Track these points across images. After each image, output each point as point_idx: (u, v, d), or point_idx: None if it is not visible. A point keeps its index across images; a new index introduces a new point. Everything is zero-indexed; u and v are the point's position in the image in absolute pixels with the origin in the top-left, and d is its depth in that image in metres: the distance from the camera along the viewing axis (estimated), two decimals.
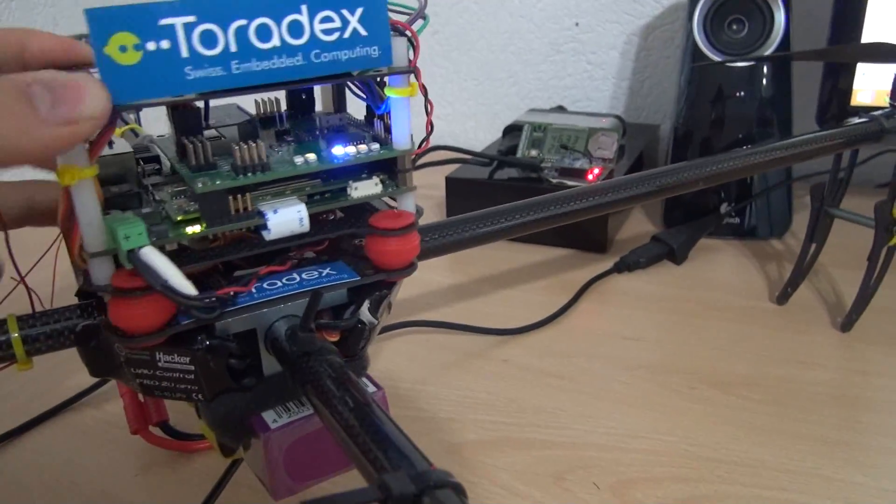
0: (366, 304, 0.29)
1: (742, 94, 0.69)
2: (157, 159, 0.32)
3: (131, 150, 0.30)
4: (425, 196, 0.80)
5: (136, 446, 0.41)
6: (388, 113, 0.29)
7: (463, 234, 0.36)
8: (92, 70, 0.23)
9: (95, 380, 0.47)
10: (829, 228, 0.55)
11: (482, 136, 0.98)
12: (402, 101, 0.29)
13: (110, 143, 0.30)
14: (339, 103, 0.35)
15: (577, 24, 0.90)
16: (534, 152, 0.71)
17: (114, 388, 0.47)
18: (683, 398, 0.45)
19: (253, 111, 0.34)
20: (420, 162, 0.79)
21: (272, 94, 0.33)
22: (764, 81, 0.68)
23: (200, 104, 0.30)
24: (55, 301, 0.30)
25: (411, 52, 0.29)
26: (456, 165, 0.73)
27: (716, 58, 0.68)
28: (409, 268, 0.30)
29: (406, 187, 0.30)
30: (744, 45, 0.67)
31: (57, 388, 0.47)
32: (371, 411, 0.22)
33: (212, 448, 0.41)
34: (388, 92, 0.29)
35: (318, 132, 0.32)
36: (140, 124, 0.37)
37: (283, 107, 0.34)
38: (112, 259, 0.25)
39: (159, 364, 0.26)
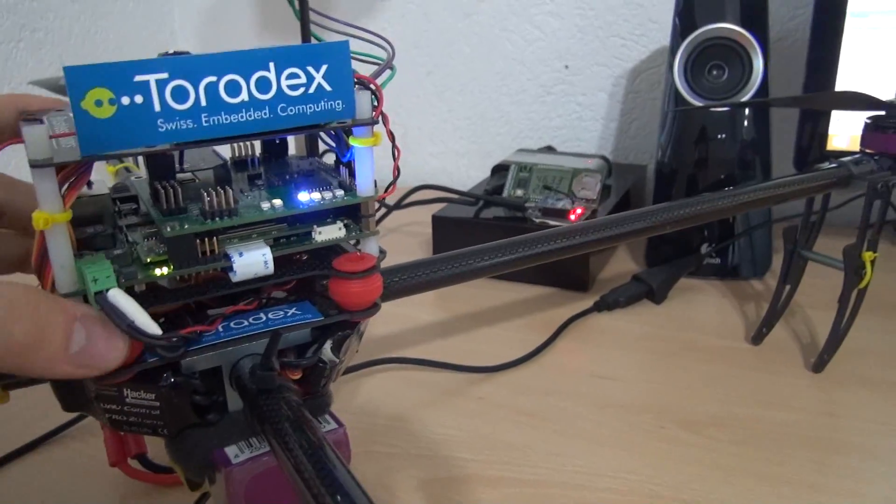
0: (328, 344, 0.30)
1: (723, 136, 0.70)
2: (135, 199, 0.34)
3: (108, 191, 0.31)
4: (412, 233, 0.82)
5: (116, 478, 0.42)
6: (353, 161, 0.31)
7: (444, 271, 0.37)
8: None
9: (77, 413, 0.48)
10: (803, 270, 0.56)
11: (474, 174, 1.00)
12: (365, 151, 0.30)
13: (89, 184, 0.32)
14: (311, 148, 0.36)
15: (566, 67, 0.92)
16: (519, 192, 0.73)
17: (94, 422, 0.48)
18: (652, 437, 0.46)
19: (228, 154, 0.35)
20: (407, 200, 0.81)
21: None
22: (745, 124, 0.70)
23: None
24: None
25: (375, 105, 0.31)
26: (443, 204, 0.75)
27: (696, 102, 0.70)
28: (372, 308, 0.31)
29: (369, 231, 0.31)
30: (724, 90, 0.69)
31: (41, 420, 0.48)
32: (324, 454, 0.23)
33: None
34: (352, 141, 0.30)
35: (287, 177, 0.33)
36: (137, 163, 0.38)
37: (258, 151, 0.36)
38: (83, 299, 0.26)
39: (127, 400, 0.27)
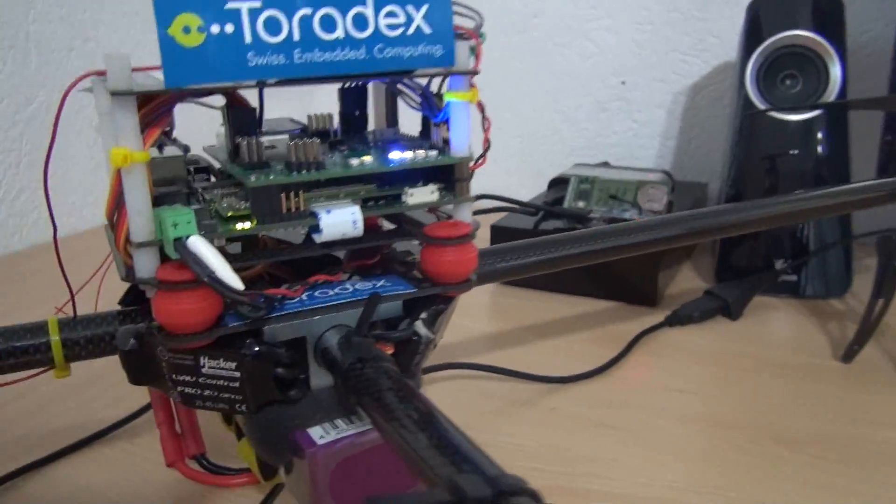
0: (422, 318, 0.27)
1: (796, 151, 0.67)
2: (206, 170, 0.31)
3: (182, 153, 0.29)
4: None
5: (169, 480, 0.39)
6: (447, 121, 0.28)
7: (536, 256, 0.34)
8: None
9: (129, 412, 0.45)
10: None
11: (524, 193, 0.96)
12: (462, 106, 0.28)
13: (160, 148, 0.30)
14: (392, 120, 0.34)
15: (623, 83, 0.89)
16: (580, 204, 0.70)
17: (146, 421, 0.45)
18: (747, 454, 0.42)
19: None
20: None
21: (324, 111, 0.33)
22: (819, 137, 0.66)
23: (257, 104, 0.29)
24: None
25: (473, 60, 0.28)
26: (502, 214, 0.72)
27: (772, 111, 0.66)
28: (466, 283, 0.28)
29: (463, 197, 0.28)
30: (798, 101, 0.66)
31: (90, 420, 0.45)
32: (434, 418, 0.20)
33: (250, 484, 0.39)
34: (448, 96, 0.28)
35: (371, 144, 0.31)
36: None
37: (336, 122, 0.34)
38: (158, 252, 0.24)
39: (203, 370, 0.24)
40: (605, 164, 0.85)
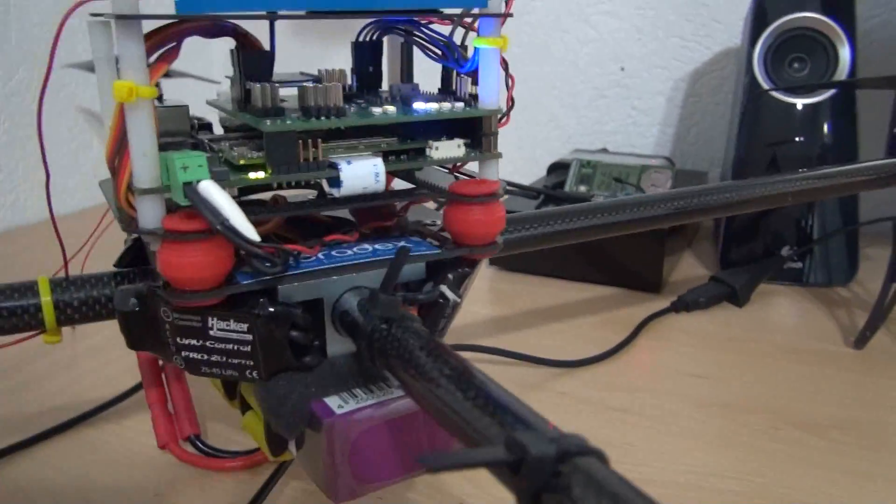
0: (447, 280, 0.25)
1: (802, 139, 0.65)
2: (208, 127, 0.29)
3: (186, 104, 0.27)
4: None
5: (159, 463, 0.37)
6: (475, 71, 0.26)
7: (558, 226, 0.32)
8: None
9: (115, 394, 0.43)
10: None
11: (520, 179, 0.94)
12: (492, 54, 0.26)
13: (160, 98, 0.27)
14: (408, 76, 0.32)
15: (622, 69, 0.88)
16: (582, 188, 0.68)
17: (133, 404, 0.43)
18: (767, 438, 0.40)
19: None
20: None
21: (337, 66, 0.31)
22: (826, 124, 0.65)
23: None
24: None
25: (503, 3, 0.26)
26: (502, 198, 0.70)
27: (778, 94, 0.65)
28: (493, 245, 0.26)
29: (490, 153, 0.26)
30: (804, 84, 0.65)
31: (75, 401, 0.43)
32: (473, 376, 0.18)
33: (247, 467, 0.36)
34: (477, 42, 0.26)
35: (390, 98, 0.29)
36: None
37: (348, 80, 0.31)
38: (163, 201, 0.21)
39: (211, 332, 0.22)
40: (604, 151, 0.83)
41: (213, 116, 0.30)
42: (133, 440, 0.40)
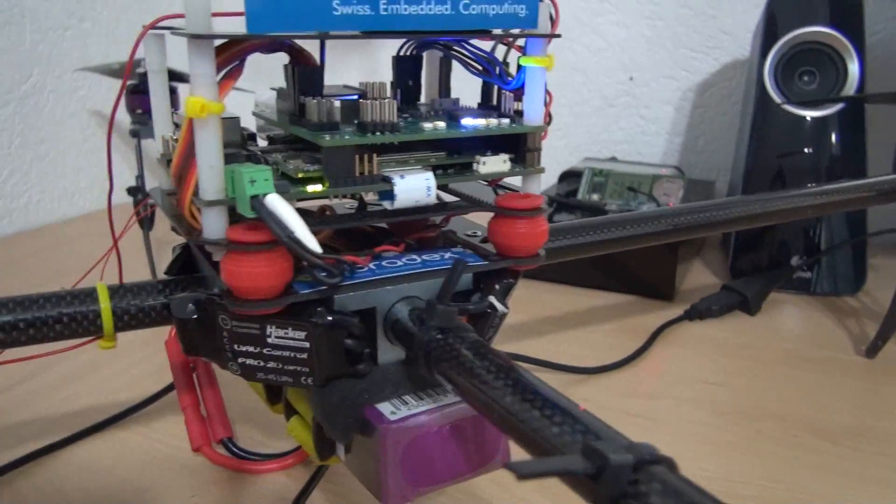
0: (494, 291, 0.26)
1: (810, 150, 0.66)
2: (253, 136, 0.30)
3: (238, 116, 0.27)
4: None
5: (191, 465, 0.38)
6: (522, 87, 0.27)
7: (603, 235, 0.33)
8: None
9: (146, 395, 0.43)
10: None
11: None
12: (538, 73, 0.26)
13: None
14: (446, 91, 0.32)
15: (631, 79, 0.89)
16: (595, 196, 0.69)
17: (164, 406, 0.43)
18: (784, 445, 0.41)
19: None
20: None
21: (377, 79, 0.31)
22: (835, 136, 0.66)
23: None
24: None
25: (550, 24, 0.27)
26: None
27: (789, 107, 0.66)
28: (536, 257, 0.27)
29: (534, 168, 0.27)
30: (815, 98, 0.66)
31: (102, 403, 0.44)
32: (535, 384, 0.19)
33: (280, 469, 0.37)
34: (524, 61, 0.26)
35: (433, 113, 0.29)
36: None
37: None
38: (227, 212, 0.22)
39: (269, 340, 0.23)
40: (614, 159, 0.84)
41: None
42: (163, 442, 0.40)
